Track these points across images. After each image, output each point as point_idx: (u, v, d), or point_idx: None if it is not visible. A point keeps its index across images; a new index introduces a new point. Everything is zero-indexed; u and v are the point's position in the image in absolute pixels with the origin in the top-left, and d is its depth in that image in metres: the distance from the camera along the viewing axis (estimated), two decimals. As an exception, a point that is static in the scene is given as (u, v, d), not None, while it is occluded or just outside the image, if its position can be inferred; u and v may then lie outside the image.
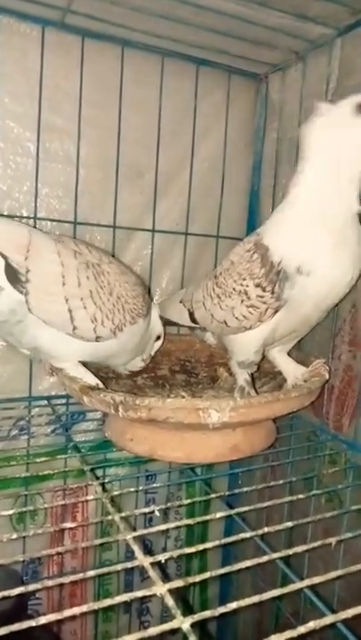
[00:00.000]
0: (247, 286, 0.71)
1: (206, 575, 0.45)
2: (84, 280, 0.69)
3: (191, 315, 0.84)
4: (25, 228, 0.69)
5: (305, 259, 0.67)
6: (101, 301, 0.70)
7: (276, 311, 0.70)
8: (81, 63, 0.92)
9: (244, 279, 0.71)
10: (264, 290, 0.69)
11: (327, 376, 0.76)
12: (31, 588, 0.42)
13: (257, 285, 0.70)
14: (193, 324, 0.85)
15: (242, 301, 0.72)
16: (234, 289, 0.73)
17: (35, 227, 0.94)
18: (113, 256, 0.88)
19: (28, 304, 0.66)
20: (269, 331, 0.74)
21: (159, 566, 0.45)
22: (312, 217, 0.68)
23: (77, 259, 0.70)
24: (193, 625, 0.37)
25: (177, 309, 0.89)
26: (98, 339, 0.71)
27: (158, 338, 0.89)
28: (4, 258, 0.64)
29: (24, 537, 0.62)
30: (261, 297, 0.70)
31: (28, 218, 0.94)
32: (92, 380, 0.73)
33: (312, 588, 0.47)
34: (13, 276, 0.65)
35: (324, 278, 0.68)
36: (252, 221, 1.13)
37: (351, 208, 0.68)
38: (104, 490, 0.60)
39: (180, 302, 0.89)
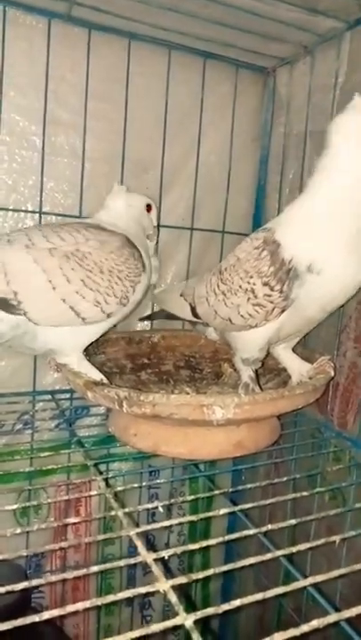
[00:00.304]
0: (254, 284, 0.70)
1: (210, 572, 0.44)
2: (71, 273, 0.68)
3: (193, 309, 0.83)
4: None
5: (317, 257, 0.66)
6: (96, 284, 0.70)
7: (283, 310, 0.69)
8: (87, 56, 0.92)
9: (252, 277, 0.70)
10: (272, 289, 0.68)
11: (332, 373, 0.76)
12: (35, 582, 0.42)
13: (265, 284, 0.69)
14: (195, 319, 0.85)
15: (248, 299, 0.71)
16: (240, 286, 0.72)
17: (40, 221, 0.93)
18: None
19: (31, 320, 0.67)
20: (275, 329, 0.73)
21: (162, 562, 0.45)
22: (331, 215, 0.66)
23: (55, 255, 0.68)
24: (196, 621, 0.37)
25: (177, 303, 0.88)
26: (110, 315, 0.72)
27: (149, 207, 0.91)
28: None
29: (28, 531, 0.62)
30: (269, 296, 0.68)
31: (34, 212, 0.93)
32: (97, 375, 0.73)
33: (315, 585, 0.47)
34: (5, 304, 0.66)
35: (335, 278, 0.67)
36: (259, 217, 1.13)
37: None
38: (107, 485, 0.60)
39: (181, 296, 0.88)
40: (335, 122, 0.68)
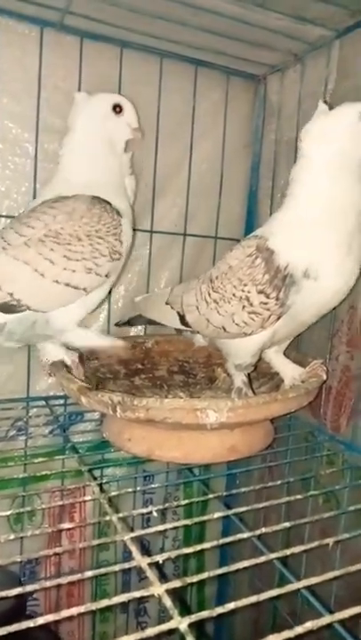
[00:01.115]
0: (249, 292, 0.70)
1: (204, 575, 0.45)
2: (52, 255, 0.68)
3: (182, 317, 0.82)
4: None
5: (312, 262, 0.67)
6: (80, 253, 0.70)
7: (279, 317, 0.70)
8: (80, 64, 0.92)
9: (246, 285, 0.70)
10: (268, 296, 0.68)
11: (325, 376, 0.76)
12: (29, 588, 0.42)
13: (260, 292, 0.69)
14: (183, 327, 0.84)
15: (243, 307, 0.70)
16: (234, 295, 0.71)
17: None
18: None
19: (37, 312, 0.69)
20: (269, 336, 0.73)
21: (157, 567, 0.45)
22: (319, 219, 0.68)
23: (31, 245, 0.68)
24: (190, 625, 0.37)
25: (162, 311, 0.87)
26: (108, 275, 0.73)
27: (118, 107, 0.79)
28: None
29: (22, 537, 0.62)
30: (265, 304, 0.69)
31: (27, 218, 0.93)
32: (107, 340, 0.78)
33: (309, 588, 0.47)
34: (7, 308, 0.67)
35: (330, 282, 0.68)
36: (251, 222, 1.14)
37: (358, 212, 0.68)
38: (102, 490, 0.60)
39: (167, 304, 0.86)
40: (305, 129, 0.70)
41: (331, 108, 0.71)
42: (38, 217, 0.71)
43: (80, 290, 0.70)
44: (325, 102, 0.71)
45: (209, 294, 0.76)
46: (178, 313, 0.84)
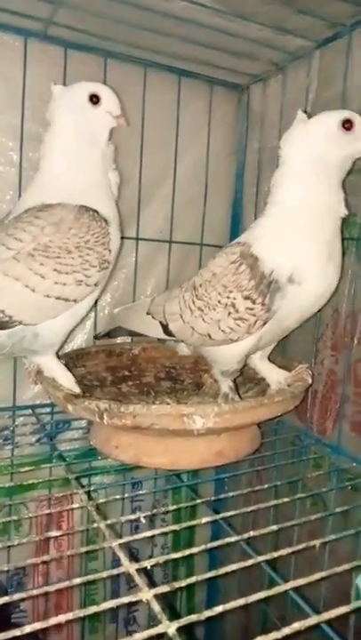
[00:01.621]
0: (235, 299, 0.70)
1: (192, 579, 0.45)
2: (42, 269, 0.67)
3: (165, 327, 0.82)
4: None
5: (296, 267, 0.68)
6: (70, 266, 0.69)
7: (265, 323, 0.70)
8: (64, 74, 0.93)
9: (231, 291, 0.70)
10: (254, 302, 0.69)
11: (310, 380, 0.77)
12: (16, 597, 0.42)
13: (246, 298, 0.69)
14: (166, 337, 0.83)
15: (229, 314, 0.71)
16: (219, 301, 0.72)
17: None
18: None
19: (29, 325, 0.69)
20: (255, 342, 0.74)
21: (145, 573, 0.45)
22: (299, 224, 0.69)
23: (20, 260, 0.67)
24: (179, 630, 0.38)
25: (143, 321, 0.86)
26: (97, 284, 0.73)
27: (95, 97, 0.74)
28: None
29: (9, 547, 0.62)
30: (251, 309, 0.69)
31: (12, 226, 0.93)
32: (66, 382, 0.74)
33: (298, 591, 0.48)
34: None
35: (314, 286, 0.69)
36: (236, 229, 1.15)
37: (337, 217, 0.70)
38: (89, 498, 0.60)
39: (148, 314, 0.85)
40: (284, 136, 0.72)
41: (311, 116, 0.72)
42: (24, 228, 0.69)
43: (70, 301, 0.70)
44: (305, 111, 0.72)
45: (193, 302, 0.76)
46: (160, 322, 0.83)
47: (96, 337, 1.00)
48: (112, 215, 0.76)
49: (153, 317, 0.84)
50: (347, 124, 0.69)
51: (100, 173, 0.77)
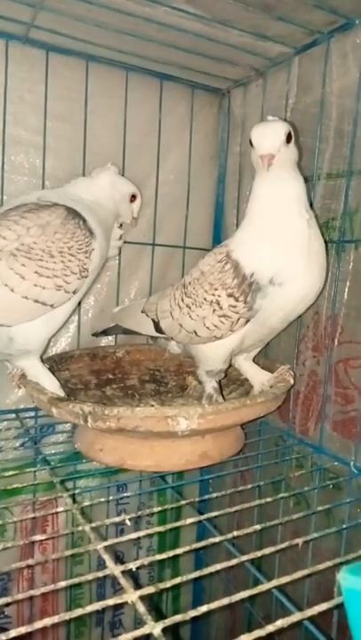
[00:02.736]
0: (219, 296, 0.72)
1: (177, 580, 0.45)
2: (23, 270, 0.67)
3: (156, 324, 0.84)
4: None
5: (278, 270, 0.69)
6: (51, 270, 0.69)
7: (247, 321, 0.72)
8: (46, 77, 0.93)
9: (216, 289, 0.72)
10: (237, 300, 0.70)
11: (292, 381, 0.78)
12: (1, 601, 0.42)
13: (229, 295, 0.71)
14: (157, 334, 0.86)
15: (213, 311, 0.73)
16: (205, 299, 0.74)
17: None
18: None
19: (3, 325, 0.68)
20: (239, 340, 0.75)
21: (131, 576, 0.46)
22: (269, 225, 0.71)
23: (2, 259, 0.67)
24: (165, 631, 0.38)
25: (137, 319, 0.89)
26: (75, 292, 0.73)
27: (134, 197, 0.92)
28: None
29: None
30: (234, 307, 0.71)
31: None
32: (51, 387, 0.74)
33: (282, 590, 0.48)
34: None
35: (297, 287, 0.71)
36: (218, 232, 1.16)
37: (298, 225, 0.71)
38: (74, 501, 0.60)
39: (142, 312, 0.88)
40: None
41: (292, 121, 0.73)
42: (9, 226, 0.69)
43: (47, 306, 0.70)
44: (272, 116, 0.74)
45: (182, 299, 0.78)
46: (153, 320, 0.85)
47: (94, 335, 1.03)
48: (99, 231, 0.78)
49: (147, 315, 0.87)
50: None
51: (105, 222, 0.83)
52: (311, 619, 0.42)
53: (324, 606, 0.42)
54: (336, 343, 0.83)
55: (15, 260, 0.67)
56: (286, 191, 0.70)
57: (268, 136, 0.68)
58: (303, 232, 0.70)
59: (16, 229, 0.69)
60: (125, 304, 1.05)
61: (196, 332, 0.76)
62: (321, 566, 0.49)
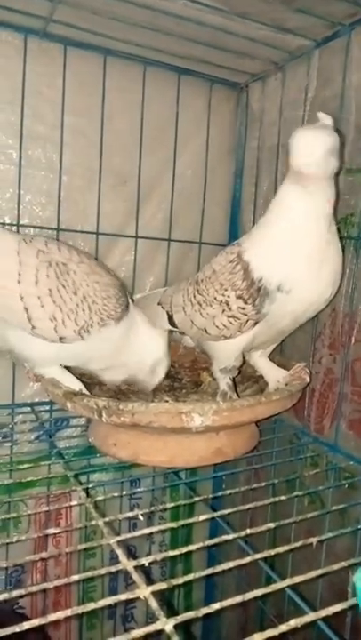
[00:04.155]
0: (229, 297, 0.71)
1: (190, 577, 0.45)
2: (43, 278, 0.67)
3: (170, 317, 0.84)
4: None
5: (286, 277, 0.68)
6: (62, 300, 0.67)
7: (255, 323, 0.71)
8: (63, 71, 0.93)
9: (226, 289, 0.72)
10: (245, 302, 0.70)
11: (308, 379, 0.78)
12: (15, 593, 0.42)
13: (238, 297, 0.70)
14: (171, 328, 0.85)
15: (223, 311, 0.72)
16: (215, 298, 0.73)
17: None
18: (97, 259, 0.87)
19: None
20: (248, 340, 0.75)
21: (143, 571, 0.46)
22: (290, 238, 0.69)
23: (39, 257, 0.67)
24: (177, 628, 0.38)
25: (154, 310, 0.88)
26: (62, 339, 0.68)
27: (154, 370, 0.81)
28: None
29: (7, 544, 0.62)
30: (243, 308, 0.70)
31: (11, 225, 0.94)
32: (75, 384, 0.73)
33: (295, 589, 0.48)
34: None
35: (304, 296, 0.70)
36: (234, 228, 1.15)
37: (325, 231, 0.69)
38: (88, 495, 0.60)
39: (159, 304, 0.88)
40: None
41: (311, 116, 0.72)
42: (72, 250, 0.72)
43: (29, 324, 0.68)
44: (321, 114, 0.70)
45: (194, 296, 0.78)
46: (167, 313, 0.85)
47: None
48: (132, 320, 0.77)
49: (162, 307, 0.87)
50: None
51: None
52: (325, 619, 0.42)
53: (338, 607, 0.42)
54: (353, 341, 0.82)
55: (47, 267, 0.68)
56: (317, 209, 0.67)
57: (313, 146, 0.63)
58: (321, 245, 0.69)
59: (73, 255, 0.72)
60: (146, 292, 1.04)
61: (206, 330, 0.76)
62: (335, 566, 0.48)
